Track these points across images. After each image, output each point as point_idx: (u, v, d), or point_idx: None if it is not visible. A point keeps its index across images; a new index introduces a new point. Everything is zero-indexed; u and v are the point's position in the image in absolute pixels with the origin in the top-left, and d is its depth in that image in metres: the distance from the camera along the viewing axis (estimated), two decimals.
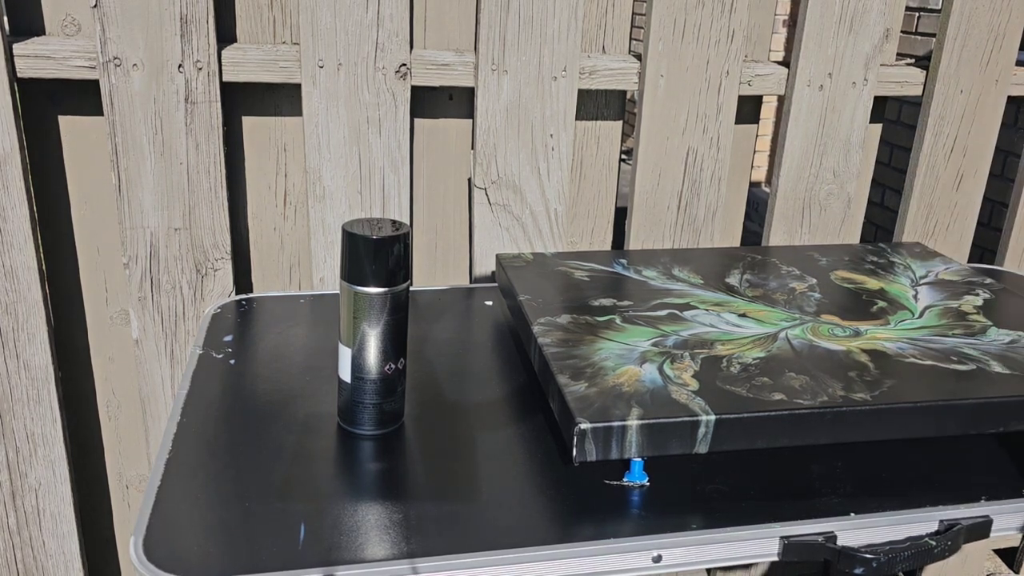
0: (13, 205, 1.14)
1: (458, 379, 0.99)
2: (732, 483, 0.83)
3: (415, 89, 1.30)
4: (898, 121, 3.18)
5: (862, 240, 3.09)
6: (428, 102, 1.31)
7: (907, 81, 1.43)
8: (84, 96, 1.19)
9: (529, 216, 1.33)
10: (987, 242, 2.80)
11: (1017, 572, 1.85)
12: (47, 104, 1.19)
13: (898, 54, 2.75)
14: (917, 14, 3.05)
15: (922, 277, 1.15)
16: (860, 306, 1.04)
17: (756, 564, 1.65)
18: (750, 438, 0.79)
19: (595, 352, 0.89)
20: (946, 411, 0.82)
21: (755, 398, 0.81)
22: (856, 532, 0.78)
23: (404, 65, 1.21)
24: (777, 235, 1.44)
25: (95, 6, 1.09)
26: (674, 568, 0.76)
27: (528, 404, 0.95)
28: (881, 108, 1.50)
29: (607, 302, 1.02)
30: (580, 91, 1.35)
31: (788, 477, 0.84)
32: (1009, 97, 2.48)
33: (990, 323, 1.00)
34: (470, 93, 1.32)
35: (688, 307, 1.01)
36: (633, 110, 5.61)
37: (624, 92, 1.36)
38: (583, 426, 0.76)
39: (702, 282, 1.09)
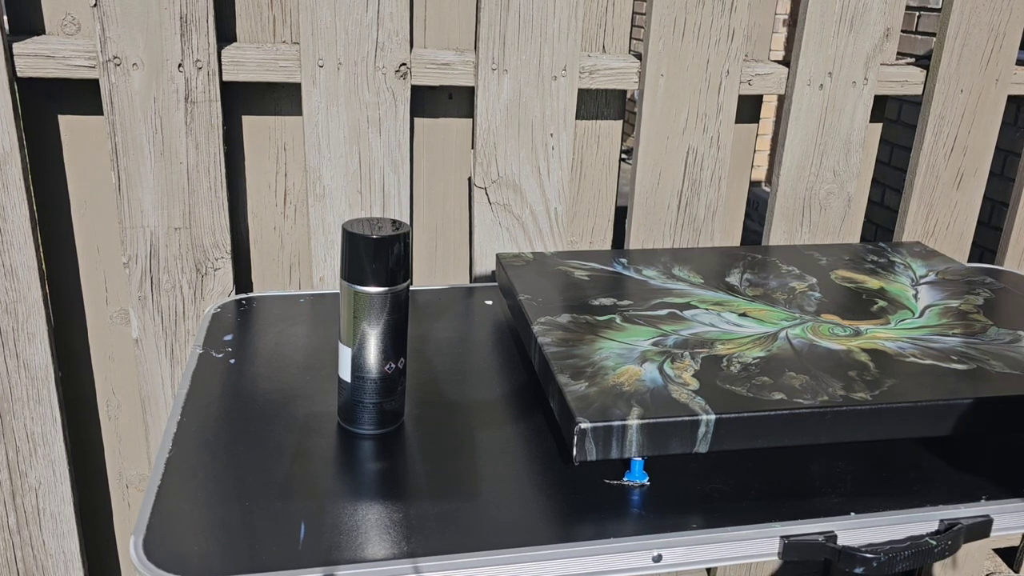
0: (13, 204, 1.14)
1: (458, 379, 0.99)
2: (732, 482, 0.83)
3: (415, 88, 1.30)
4: (898, 120, 3.18)
5: (862, 239, 3.09)
6: (428, 101, 1.31)
7: (907, 80, 1.43)
8: (84, 95, 1.19)
9: (529, 215, 1.33)
10: (987, 241, 2.80)
11: (1017, 572, 1.85)
12: (47, 103, 1.19)
13: (898, 53, 2.75)
14: (917, 13, 3.05)
15: (922, 276, 1.15)
16: (860, 305, 1.04)
17: (756, 563, 1.65)
18: (750, 437, 0.79)
19: (595, 351, 0.89)
20: (946, 410, 0.82)
21: (755, 397, 0.81)
22: (856, 531, 0.78)
23: (404, 64, 1.21)
24: (777, 234, 1.44)
25: (95, 5, 1.09)
26: (674, 568, 0.76)
27: (528, 404, 0.95)
28: (881, 107, 1.50)
29: (607, 301, 1.01)
30: (580, 90, 1.35)
31: (788, 477, 0.84)
32: (1009, 96, 2.48)
33: (990, 322, 1.00)
34: (470, 92, 1.32)
35: (688, 306, 1.01)
36: (633, 109, 5.61)
37: (624, 91, 1.36)
38: (583, 425, 0.76)
39: (702, 281, 1.09)
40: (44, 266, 1.22)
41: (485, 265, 1.34)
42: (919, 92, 1.44)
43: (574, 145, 1.36)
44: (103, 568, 1.44)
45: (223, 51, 1.16)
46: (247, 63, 1.17)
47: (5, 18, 1.12)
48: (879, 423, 0.81)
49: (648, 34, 1.28)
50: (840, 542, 0.78)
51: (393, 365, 0.85)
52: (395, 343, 0.84)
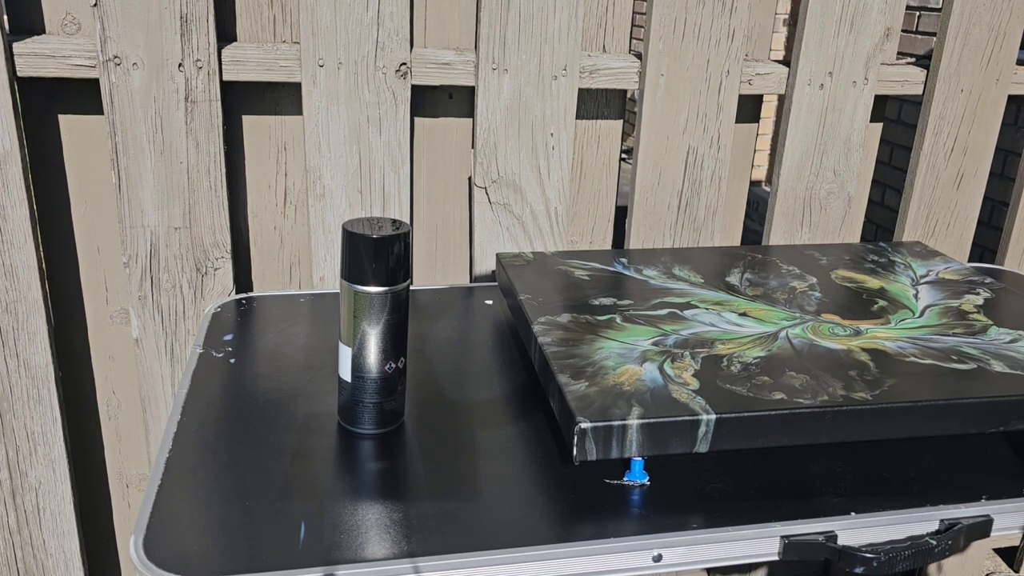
0: (13, 204, 1.14)
1: (458, 378, 0.99)
2: (732, 482, 0.83)
3: (415, 88, 1.30)
4: (898, 120, 3.18)
5: (862, 239, 3.08)
6: (428, 101, 1.31)
7: (908, 80, 1.43)
8: (84, 95, 1.19)
9: (529, 215, 1.33)
10: (987, 241, 2.80)
11: (1017, 572, 1.85)
12: (47, 103, 1.19)
13: (899, 53, 2.75)
14: (918, 13, 3.05)
15: (922, 276, 1.15)
16: (860, 305, 1.04)
17: (756, 563, 1.65)
18: (750, 437, 0.79)
19: (595, 351, 0.88)
20: (947, 410, 0.82)
21: (755, 397, 0.81)
22: (857, 531, 0.78)
23: (404, 64, 1.21)
24: (777, 234, 1.44)
25: (95, 5, 1.09)
26: (674, 568, 0.76)
27: (528, 403, 0.94)
28: (881, 107, 1.50)
29: (607, 301, 1.01)
30: (580, 90, 1.35)
31: (788, 477, 0.84)
32: (1009, 96, 2.48)
33: (990, 322, 1.00)
34: (470, 92, 1.32)
35: (688, 306, 1.01)
36: (633, 109, 5.61)
37: (624, 91, 1.36)
38: (583, 425, 0.76)
39: (702, 281, 1.09)
40: (44, 265, 1.22)
41: (485, 265, 1.34)
42: (919, 92, 1.44)
43: (574, 145, 1.36)
44: (103, 568, 1.44)
45: (223, 51, 1.16)
46: (247, 63, 1.17)
47: (5, 17, 1.12)
48: (879, 423, 0.81)
49: (648, 34, 1.28)
50: (840, 542, 0.78)
51: (393, 365, 0.85)
52: (395, 343, 0.84)
